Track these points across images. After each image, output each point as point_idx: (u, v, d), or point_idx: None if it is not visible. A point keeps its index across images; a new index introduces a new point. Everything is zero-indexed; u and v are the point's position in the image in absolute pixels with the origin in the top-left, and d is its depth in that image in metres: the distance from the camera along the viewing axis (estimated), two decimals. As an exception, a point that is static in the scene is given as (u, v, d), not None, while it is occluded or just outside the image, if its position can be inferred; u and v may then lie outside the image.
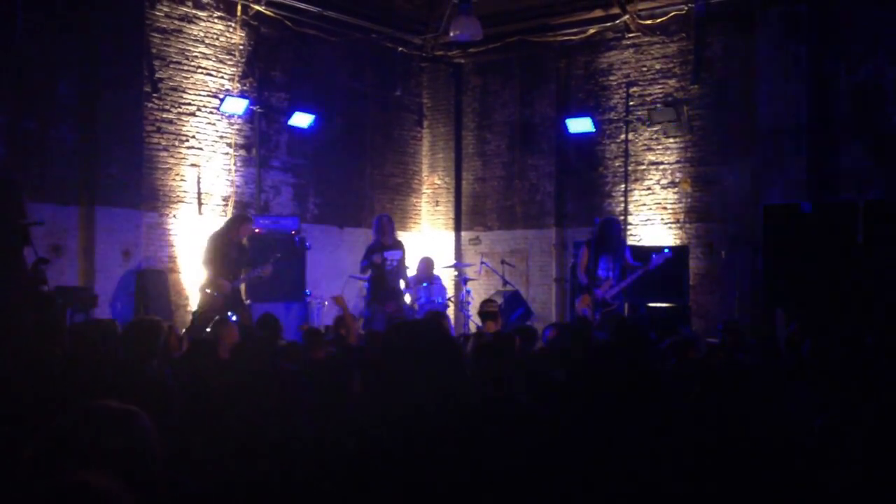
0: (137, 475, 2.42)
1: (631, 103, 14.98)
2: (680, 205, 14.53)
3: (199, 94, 13.51)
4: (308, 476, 3.43)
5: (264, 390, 5.08)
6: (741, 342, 8.91)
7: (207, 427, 4.56)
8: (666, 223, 14.63)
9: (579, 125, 14.82)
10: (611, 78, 15.32)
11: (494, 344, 6.22)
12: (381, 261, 12.20)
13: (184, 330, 11.54)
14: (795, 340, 8.35)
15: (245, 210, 13.95)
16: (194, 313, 11.34)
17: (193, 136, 13.44)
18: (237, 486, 3.74)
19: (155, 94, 12.92)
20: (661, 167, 14.73)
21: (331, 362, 7.02)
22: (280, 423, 4.35)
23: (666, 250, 11.92)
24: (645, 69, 14.93)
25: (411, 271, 13.17)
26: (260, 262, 11.45)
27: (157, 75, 12.93)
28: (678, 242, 14.18)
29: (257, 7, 14.01)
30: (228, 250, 11.28)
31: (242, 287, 12.93)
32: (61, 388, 5.00)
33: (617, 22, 14.92)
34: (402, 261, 12.55)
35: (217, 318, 10.97)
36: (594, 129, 14.75)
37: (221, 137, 13.84)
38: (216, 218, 13.44)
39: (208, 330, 8.33)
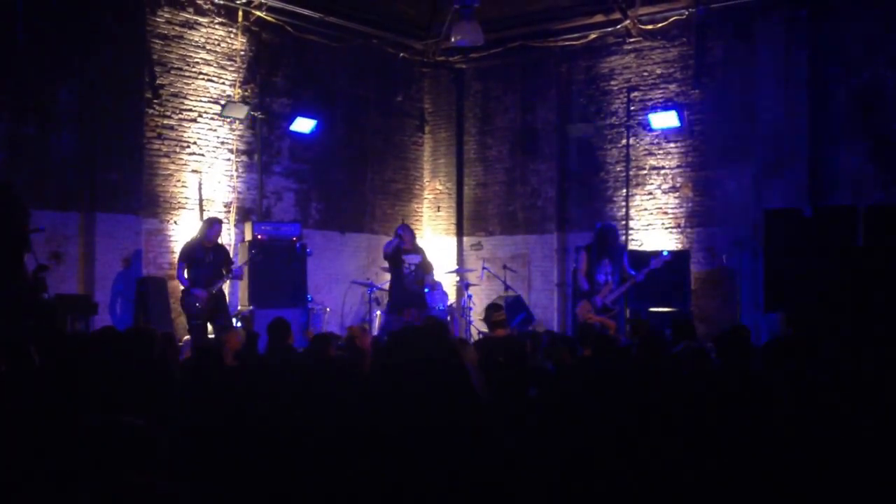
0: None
1: (632, 108, 14.98)
2: (681, 209, 14.53)
3: (201, 100, 13.53)
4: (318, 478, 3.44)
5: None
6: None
7: (215, 431, 4.55)
8: (667, 228, 14.63)
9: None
10: (612, 83, 15.33)
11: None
12: (409, 265, 12.56)
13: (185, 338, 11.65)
14: (795, 345, 8.34)
15: (248, 215, 13.99)
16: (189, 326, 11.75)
17: (195, 142, 13.46)
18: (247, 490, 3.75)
19: (156, 101, 12.95)
20: (663, 172, 14.73)
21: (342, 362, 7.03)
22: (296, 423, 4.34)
23: (664, 253, 11.93)
24: (646, 74, 14.94)
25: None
26: (236, 261, 12.00)
27: (158, 81, 12.96)
28: (679, 247, 14.18)
29: (258, 13, 14.03)
30: (204, 256, 11.61)
31: (244, 292, 13.04)
32: (59, 395, 5.01)
33: (618, 27, 14.93)
34: (420, 265, 12.71)
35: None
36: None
37: (223, 143, 13.85)
38: (213, 216, 13.44)
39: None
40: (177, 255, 13.01)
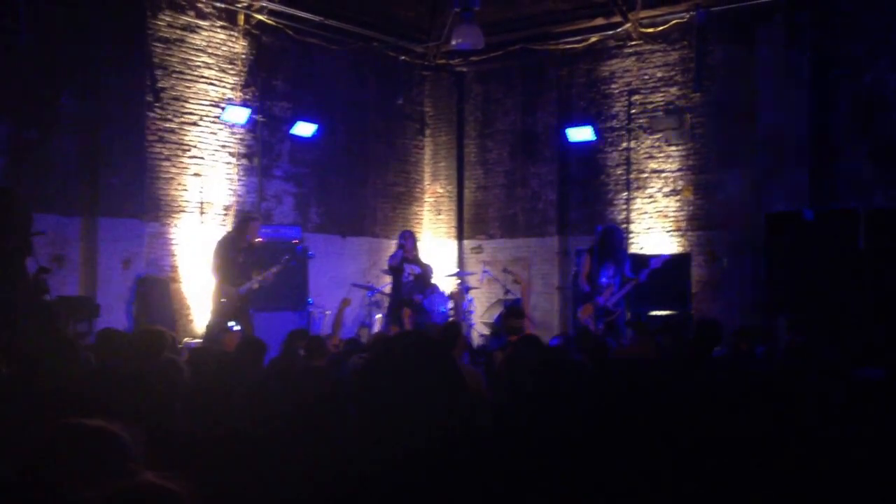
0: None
1: (633, 111, 14.99)
2: (682, 213, 14.53)
3: (202, 104, 13.52)
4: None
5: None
6: (752, 350, 8.89)
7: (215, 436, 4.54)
8: (668, 231, 14.62)
9: (580, 134, 14.83)
10: (612, 86, 15.33)
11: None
12: (409, 274, 12.54)
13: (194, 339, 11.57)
14: (796, 348, 8.35)
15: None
16: (208, 325, 11.34)
17: (195, 146, 13.45)
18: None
19: (157, 104, 12.95)
20: (663, 175, 14.73)
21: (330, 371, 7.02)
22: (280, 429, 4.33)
23: (664, 255, 11.95)
24: (646, 77, 14.94)
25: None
26: (269, 265, 11.41)
27: (159, 85, 12.95)
28: (680, 250, 14.18)
29: (259, 16, 14.03)
30: (236, 255, 11.23)
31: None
32: (62, 398, 4.99)
33: (619, 30, 14.93)
34: (420, 276, 12.71)
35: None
36: (595, 138, 14.78)
37: (223, 147, 13.85)
38: (218, 227, 13.44)
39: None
40: (178, 258, 13.03)
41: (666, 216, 14.68)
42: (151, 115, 12.87)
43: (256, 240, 11.60)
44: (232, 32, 13.94)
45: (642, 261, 12.14)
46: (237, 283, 11.12)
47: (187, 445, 4.33)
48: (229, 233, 11.67)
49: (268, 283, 11.49)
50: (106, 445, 2.60)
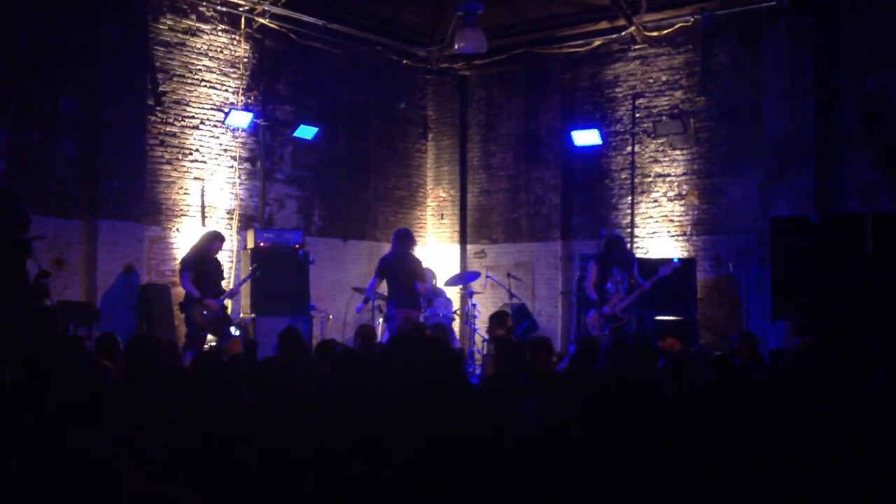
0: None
1: (637, 115, 14.91)
2: (687, 217, 14.46)
3: (203, 108, 13.46)
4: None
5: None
6: (757, 355, 8.85)
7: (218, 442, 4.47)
8: (673, 235, 14.55)
9: (586, 137, 14.74)
10: (617, 90, 15.26)
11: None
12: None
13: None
14: (804, 353, 8.29)
15: (251, 223, 13.93)
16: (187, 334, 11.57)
17: (197, 150, 13.40)
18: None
19: (158, 108, 12.90)
20: (668, 179, 14.66)
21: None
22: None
23: (674, 260, 11.88)
24: (651, 81, 14.87)
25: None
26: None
27: (160, 88, 12.91)
28: (685, 255, 14.09)
29: (261, 20, 13.97)
30: (210, 268, 11.61)
31: (246, 299, 12.98)
32: (61, 403, 4.93)
33: (623, 34, 14.85)
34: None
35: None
36: (601, 142, 14.69)
37: (225, 150, 13.79)
38: (221, 231, 13.35)
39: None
40: (178, 264, 12.94)
41: (671, 220, 14.61)
42: (153, 118, 12.82)
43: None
44: (234, 36, 13.89)
45: (651, 266, 12.06)
46: (213, 294, 11.52)
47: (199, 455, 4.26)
48: (200, 246, 11.86)
49: (232, 296, 12.39)
50: (123, 455, 2.53)
